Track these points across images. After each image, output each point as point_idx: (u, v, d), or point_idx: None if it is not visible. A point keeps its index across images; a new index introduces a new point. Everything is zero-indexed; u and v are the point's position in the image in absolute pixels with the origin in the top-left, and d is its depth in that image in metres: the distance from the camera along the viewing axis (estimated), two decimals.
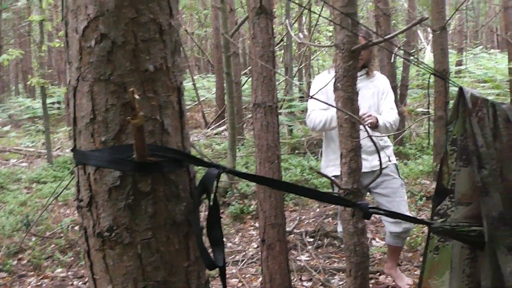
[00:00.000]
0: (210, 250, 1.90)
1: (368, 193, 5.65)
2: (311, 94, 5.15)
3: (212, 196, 1.89)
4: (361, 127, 3.40)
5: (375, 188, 5.32)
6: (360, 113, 4.86)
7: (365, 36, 4.91)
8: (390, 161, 5.21)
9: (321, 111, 5.23)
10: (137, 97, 1.57)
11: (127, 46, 1.76)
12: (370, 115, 5.00)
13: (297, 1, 9.63)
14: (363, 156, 5.05)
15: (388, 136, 5.52)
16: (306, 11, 14.53)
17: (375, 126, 5.00)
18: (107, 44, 1.75)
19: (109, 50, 1.75)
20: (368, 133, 3.40)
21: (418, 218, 4.10)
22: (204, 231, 1.91)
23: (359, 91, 5.03)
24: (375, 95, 5.33)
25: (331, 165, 5.28)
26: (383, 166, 5.16)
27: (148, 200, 1.80)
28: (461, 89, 2.57)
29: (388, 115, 5.24)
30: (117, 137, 1.78)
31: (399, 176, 5.40)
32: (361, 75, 5.22)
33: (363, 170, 4.97)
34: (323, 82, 4.90)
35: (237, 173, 2.12)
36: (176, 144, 1.88)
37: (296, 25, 16.32)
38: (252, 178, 2.33)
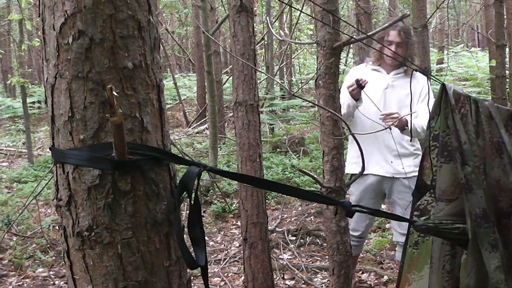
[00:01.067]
0: (191, 249, 1.88)
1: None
2: (344, 83, 4.92)
3: (193, 194, 1.87)
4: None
5: (393, 193, 5.06)
6: (388, 112, 4.76)
7: (401, 30, 4.78)
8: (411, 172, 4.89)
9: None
10: (115, 94, 1.55)
11: (105, 43, 1.74)
12: (395, 116, 4.72)
13: None
14: (388, 159, 4.93)
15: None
16: (287, 9, 14.54)
17: (402, 128, 4.78)
18: (85, 41, 1.73)
19: (87, 47, 1.73)
20: (350, 130, 3.37)
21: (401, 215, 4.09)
22: (186, 230, 1.89)
23: (394, 89, 4.96)
24: (410, 96, 4.87)
25: (353, 162, 5.04)
26: (408, 175, 4.96)
27: (128, 199, 1.78)
28: (443, 86, 2.56)
29: (424, 119, 4.82)
30: (96, 135, 1.76)
31: None
32: (398, 73, 5.06)
33: (384, 174, 4.90)
34: (357, 75, 4.79)
35: (218, 171, 2.11)
36: (156, 142, 1.86)
37: (277, 23, 16.33)
38: (233, 176, 2.31)
